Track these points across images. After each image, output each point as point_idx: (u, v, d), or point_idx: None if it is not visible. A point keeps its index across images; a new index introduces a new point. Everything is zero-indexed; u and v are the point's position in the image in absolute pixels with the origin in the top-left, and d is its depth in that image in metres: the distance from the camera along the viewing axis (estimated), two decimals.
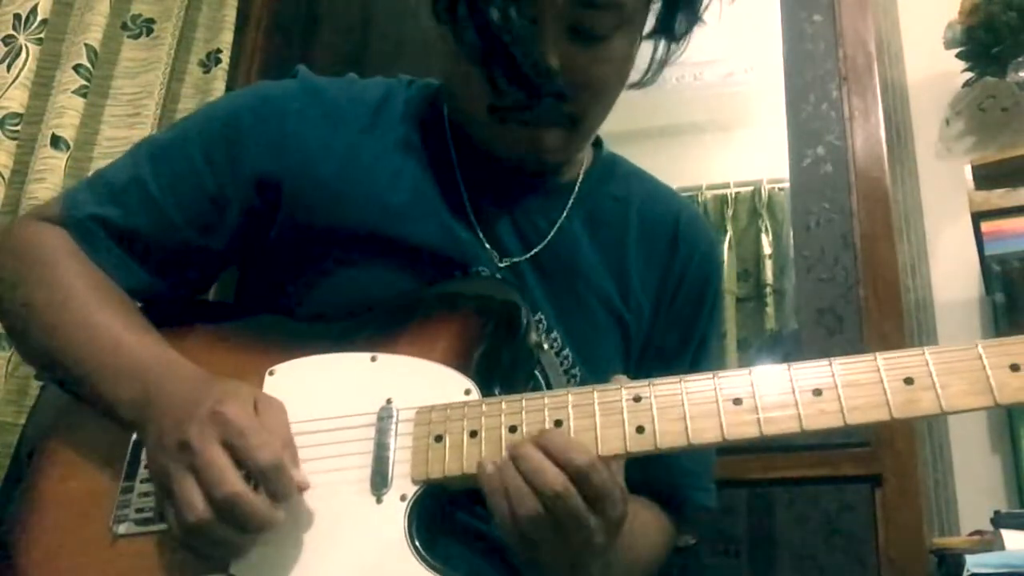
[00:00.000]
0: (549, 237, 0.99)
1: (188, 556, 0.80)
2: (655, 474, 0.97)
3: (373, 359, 0.86)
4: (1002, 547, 1.15)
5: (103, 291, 0.93)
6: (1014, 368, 0.70)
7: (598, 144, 1.10)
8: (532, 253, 0.98)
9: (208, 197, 0.96)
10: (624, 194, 1.06)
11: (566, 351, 0.97)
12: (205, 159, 0.96)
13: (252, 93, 1.04)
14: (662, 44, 0.95)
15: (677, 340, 1.04)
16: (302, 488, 0.78)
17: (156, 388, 0.83)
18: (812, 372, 0.74)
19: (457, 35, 0.87)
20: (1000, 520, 1.21)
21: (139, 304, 0.97)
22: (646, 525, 0.98)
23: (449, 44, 0.90)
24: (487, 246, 0.96)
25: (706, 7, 0.94)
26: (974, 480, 1.63)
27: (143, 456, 0.86)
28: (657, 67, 0.96)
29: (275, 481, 0.75)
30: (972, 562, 1.12)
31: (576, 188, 1.02)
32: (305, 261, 0.95)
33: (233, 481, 0.73)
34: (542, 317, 0.96)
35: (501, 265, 0.96)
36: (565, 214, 1.00)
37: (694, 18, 0.94)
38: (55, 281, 0.92)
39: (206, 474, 0.74)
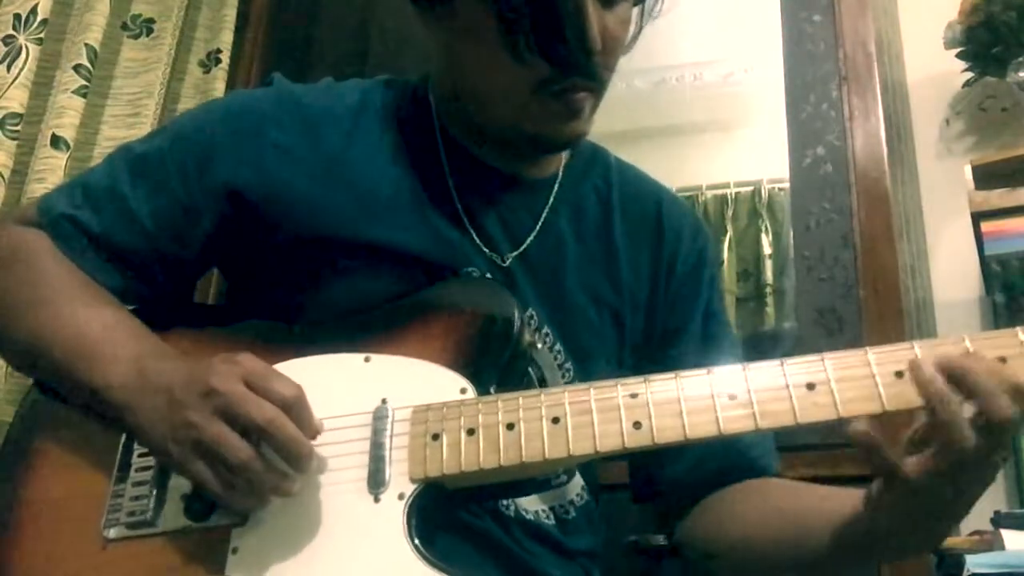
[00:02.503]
0: (535, 232, 0.99)
1: (183, 559, 0.80)
2: (728, 457, 0.97)
3: (367, 360, 0.86)
4: (1002, 547, 1.15)
5: (86, 286, 0.93)
6: (1002, 360, 0.71)
7: None
8: (520, 250, 0.98)
9: (180, 207, 0.96)
10: (604, 184, 1.06)
11: (558, 346, 0.97)
12: (178, 169, 0.96)
13: (228, 104, 1.04)
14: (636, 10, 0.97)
15: (682, 319, 1.05)
16: (318, 431, 0.79)
17: (150, 368, 0.83)
18: (805, 367, 0.75)
19: (501, 15, 0.85)
20: (1000, 520, 1.21)
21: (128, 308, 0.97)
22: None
23: (478, 31, 0.88)
24: (481, 246, 0.96)
25: None
26: None
27: (134, 459, 0.85)
28: (640, 24, 0.97)
29: (298, 414, 0.76)
30: (972, 562, 1.12)
31: (557, 182, 1.03)
32: (294, 270, 0.95)
33: (269, 406, 0.75)
34: (533, 314, 0.96)
35: (503, 264, 0.96)
36: (549, 208, 1.00)
37: None
38: (38, 279, 0.93)
39: (240, 407, 0.74)
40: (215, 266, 1.04)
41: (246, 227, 0.95)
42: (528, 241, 0.98)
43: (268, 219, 0.94)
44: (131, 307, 0.96)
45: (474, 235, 0.96)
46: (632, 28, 0.95)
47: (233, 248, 0.98)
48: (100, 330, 0.88)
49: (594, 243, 1.02)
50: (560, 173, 1.03)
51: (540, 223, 0.99)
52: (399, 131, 1.00)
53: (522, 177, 1.01)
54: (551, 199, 1.01)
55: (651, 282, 1.03)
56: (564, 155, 1.05)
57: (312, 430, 0.78)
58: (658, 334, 1.03)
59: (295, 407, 0.76)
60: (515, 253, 0.97)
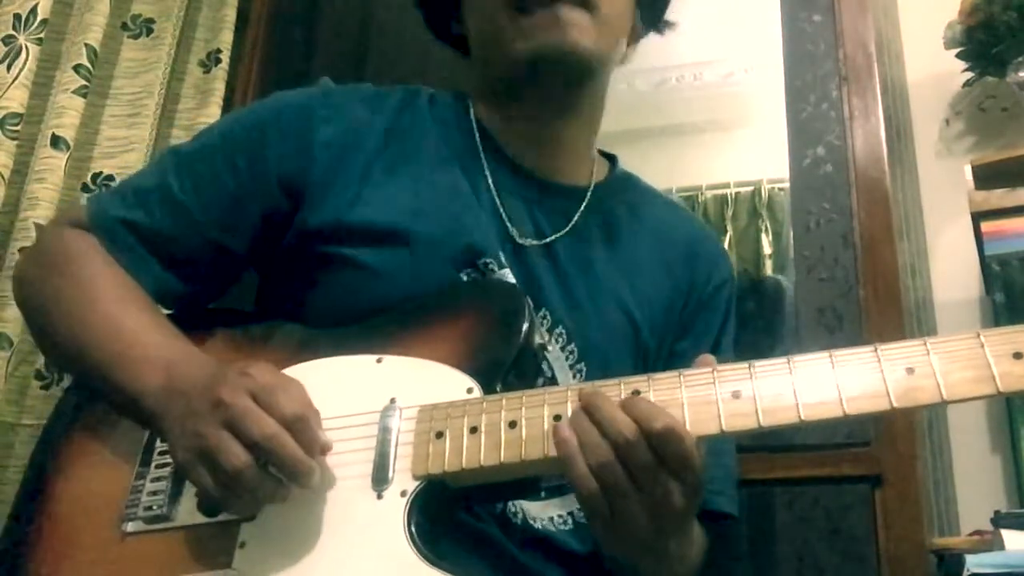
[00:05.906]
0: (564, 231, 1.02)
1: (194, 552, 0.81)
2: None
3: (378, 361, 0.88)
4: (1002, 547, 1.15)
5: (128, 291, 0.96)
6: (1017, 356, 0.70)
7: (613, 160, 1.15)
8: (547, 241, 1.01)
9: (230, 197, 0.99)
10: (638, 204, 1.11)
11: (571, 345, 0.98)
12: (228, 163, 0.99)
13: (275, 100, 1.07)
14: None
15: (690, 344, 1.06)
16: (325, 449, 0.80)
17: (178, 374, 0.85)
18: (811, 364, 0.74)
19: None
20: (1000, 520, 1.21)
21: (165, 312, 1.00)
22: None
23: None
24: (510, 229, 0.99)
25: None
26: (974, 480, 1.63)
27: (155, 457, 0.88)
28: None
29: (301, 433, 0.77)
30: (972, 562, 1.12)
31: (590, 191, 1.07)
32: (320, 263, 0.97)
33: (270, 423, 0.76)
34: (546, 313, 0.97)
35: (522, 243, 0.99)
36: (580, 213, 1.04)
37: None
38: (82, 281, 0.96)
39: (243, 423, 0.76)
40: (255, 264, 1.06)
41: (291, 217, 0.98)
42: (556, 236, 1.01)
43: (308, 210, 0.97)
44: (168, 311, 0.99)
45: (506, 220, 0.99)
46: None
47: (277, 239, 0.99)
48: (135, 335, 0.91)
49: (621, 253, 1.05)
50: (592, 184, 1.07)
51: (571, 224, 1.03)
52: (438, 129, 1.03)
53: (556, 182, 1.05)
54: (583, 205, 1.05)
55: (668, 304, 1.06)
56: (601, 169, 1.10)
57: (317, 447, 0.79)
58: (665, 354, 1.05)
59: (298, 424, 0.77)
60: (540, 242, 1.00)
